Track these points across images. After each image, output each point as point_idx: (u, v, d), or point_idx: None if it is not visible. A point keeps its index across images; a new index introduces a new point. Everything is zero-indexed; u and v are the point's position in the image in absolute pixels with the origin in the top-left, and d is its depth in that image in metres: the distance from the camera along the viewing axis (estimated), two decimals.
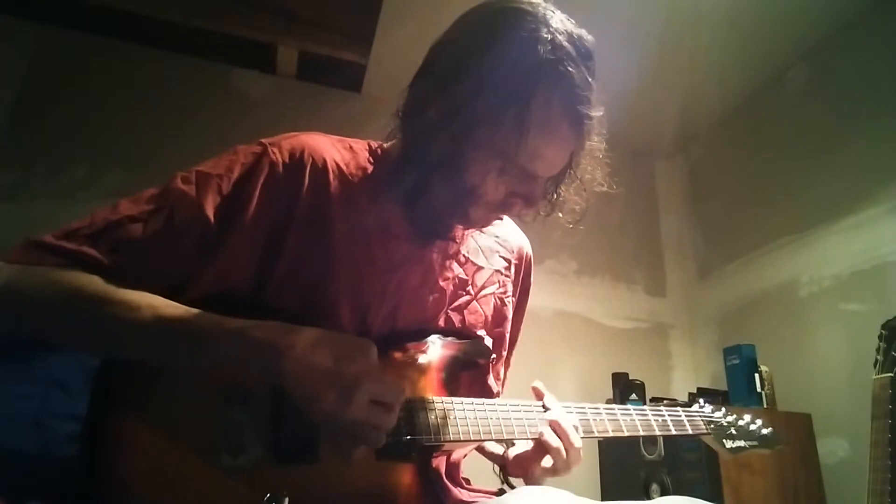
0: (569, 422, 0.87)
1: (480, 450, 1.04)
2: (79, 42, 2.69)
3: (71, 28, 2.68)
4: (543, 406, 0.89)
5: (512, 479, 0.96)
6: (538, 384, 0.92)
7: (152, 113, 2.66)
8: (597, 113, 0.79)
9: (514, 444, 0.98)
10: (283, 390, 0.67)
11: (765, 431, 1.07)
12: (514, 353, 1.06)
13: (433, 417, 0.78)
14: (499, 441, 1.00)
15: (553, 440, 0.84)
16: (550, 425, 0.86)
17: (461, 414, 0.80)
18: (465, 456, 0.96)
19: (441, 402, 0.80)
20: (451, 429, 0.78)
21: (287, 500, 0.67)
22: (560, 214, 0.89)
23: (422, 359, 0.83)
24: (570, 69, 0.75)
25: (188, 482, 0.69)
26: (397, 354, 0.82)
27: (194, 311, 0.70)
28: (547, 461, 0.87)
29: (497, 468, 1.00)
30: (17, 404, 0.86)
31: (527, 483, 0.90)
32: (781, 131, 2.77)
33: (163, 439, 0.69)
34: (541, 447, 0.86)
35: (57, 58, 2.63)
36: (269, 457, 0.71)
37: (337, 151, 0.86)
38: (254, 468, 0.70)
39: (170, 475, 0.68)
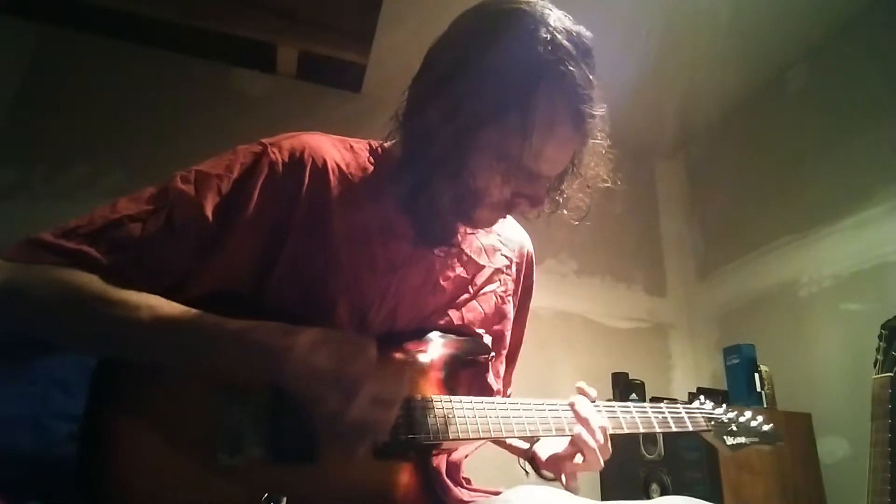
0: (596, 420, 0.88)
1: (501, 444, 1.04)
2: (79, 42, 2.69)
3: (71, 28, 2.67)
4: (571, 406, 0.89)
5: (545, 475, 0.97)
6: (583, 384, 0.92)
7: (152, 113, 2.65)
8: (599, 111, 0.79)
9: (538, 441, 0.99)
10: (285, 391, 0.67)
11: (765, 428, 1.07)
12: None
13: (432, 416, 0.77)
14: (498, 441, 1.00)
15: (589, 440, 0.86)
16: (580, 423, 0.87)
17: (460, 413, 0.80)
18: (467, 456, 0.96)
19: (440, 401, 0.80)
20: (450, 428, 0.78)
21: (285, 500, 0.67)
22: (564, 212, 0.90)
23: (421, 357, 0.83)
24: (571, 68, 0.75)
25: (186, 481, 0.68)
26: (397, 353, 0.82)
27: (194, 312, 0.69)
28: (579, 458, 0.89)
29: (524, 462, 1.01)
30: (17, 404, 0.86)
31: (565, 482, 0.91)
32: (781, 131, 2.77)
33: (161, 438, 0.69)
34: (574, 445, 0.88)
35: (57, 58, 2.63)
36: (268, 456, 0.71)
37: (337, 151, 0.86)
38: (252, 468, 0.70)
39: (168, 474, 0.68)
